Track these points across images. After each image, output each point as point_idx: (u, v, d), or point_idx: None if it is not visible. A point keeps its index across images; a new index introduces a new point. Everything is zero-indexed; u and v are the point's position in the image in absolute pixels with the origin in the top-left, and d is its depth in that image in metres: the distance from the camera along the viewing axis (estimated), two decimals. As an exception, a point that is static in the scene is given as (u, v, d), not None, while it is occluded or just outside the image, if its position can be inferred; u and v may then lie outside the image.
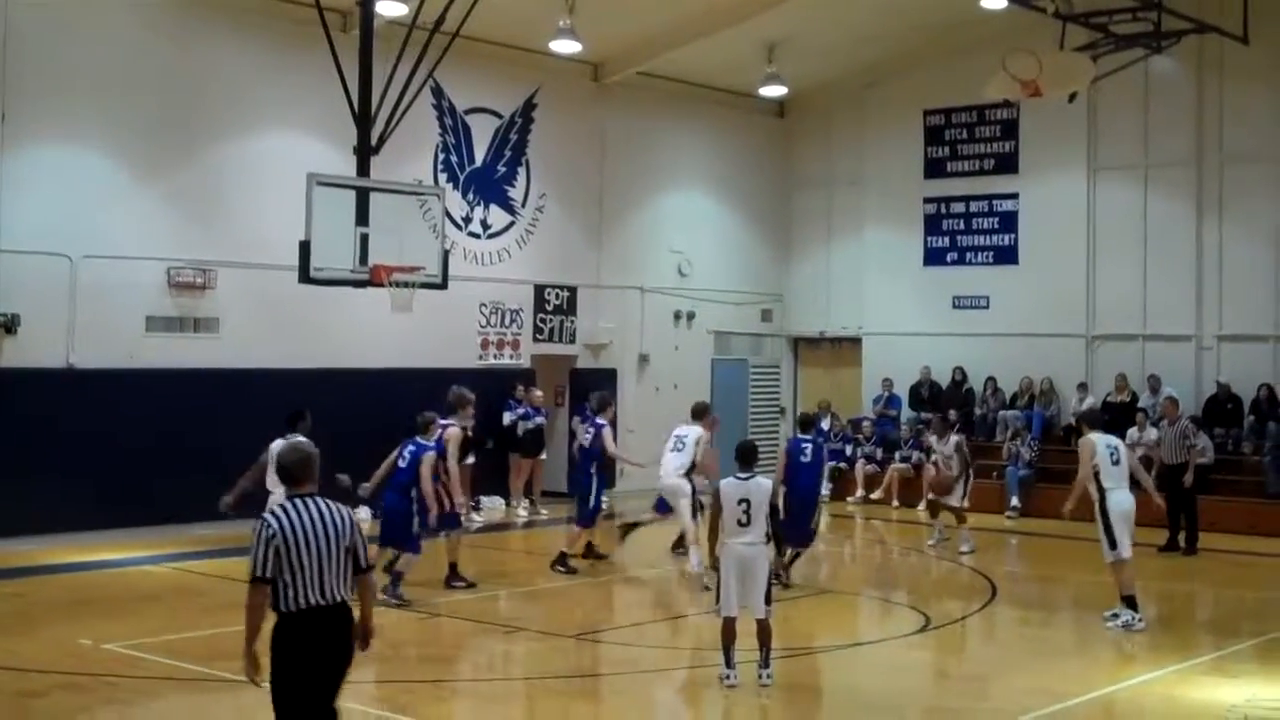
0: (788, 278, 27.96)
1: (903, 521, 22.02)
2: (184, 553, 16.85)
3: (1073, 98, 21.41)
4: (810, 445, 15.46)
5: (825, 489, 15.58)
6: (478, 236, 22.70)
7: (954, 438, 18.64)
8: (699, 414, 16.95)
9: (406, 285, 15.45)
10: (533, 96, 23.38)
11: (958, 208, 25.72)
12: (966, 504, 18.33)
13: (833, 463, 23.12)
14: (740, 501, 10.77)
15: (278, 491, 13.57)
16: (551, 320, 23.77)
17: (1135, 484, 13.66)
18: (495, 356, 22.89)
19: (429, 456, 13.94)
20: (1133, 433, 20.44)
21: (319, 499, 7.25)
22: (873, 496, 23.90)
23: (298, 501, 7.18)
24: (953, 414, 23.68)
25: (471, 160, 22.66)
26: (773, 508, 11.12)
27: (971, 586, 16.03)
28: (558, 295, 23.84)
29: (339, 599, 7.13)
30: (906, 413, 25.16)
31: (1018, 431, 23.16)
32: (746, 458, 11.19)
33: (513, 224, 23.26)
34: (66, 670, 11.02)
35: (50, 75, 17.77)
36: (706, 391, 24.58)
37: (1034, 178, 24.91)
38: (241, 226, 19.42)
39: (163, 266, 18.83)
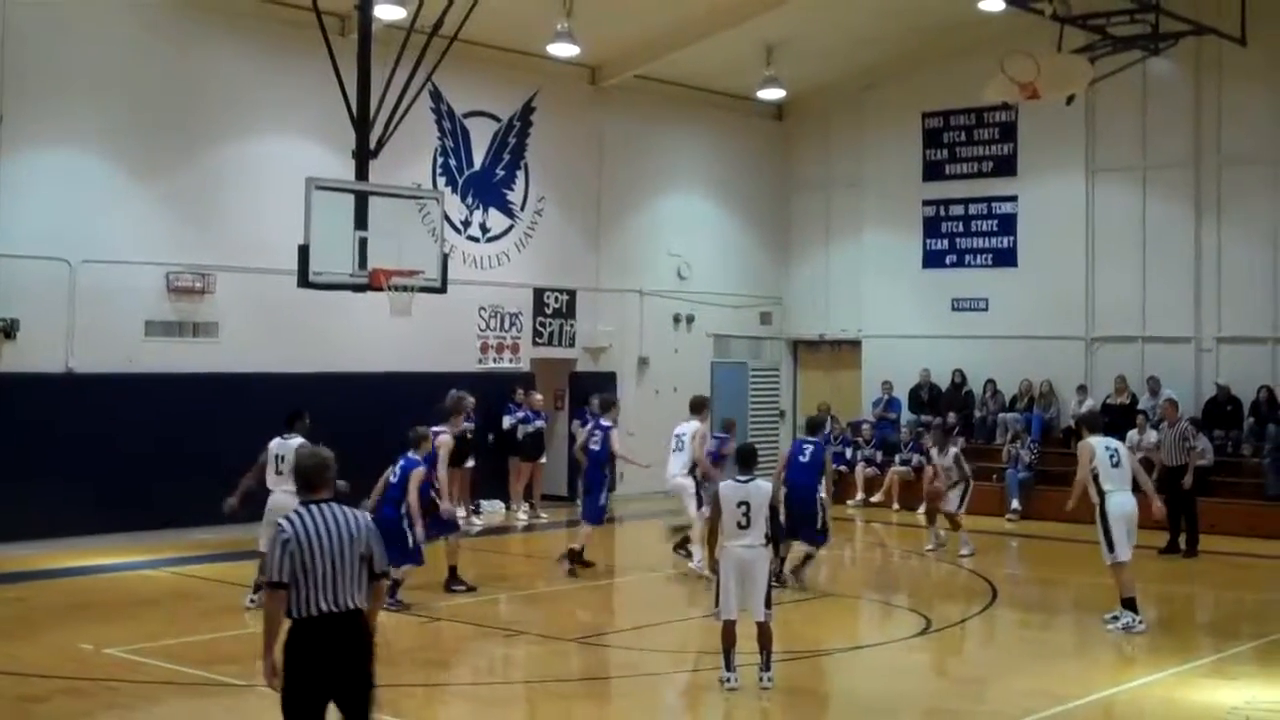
0: (787, 280, 27.97)
1: (903, 524, 22.01)
2: (183, 557, 16.85)
3: (1071, 100, 21.42)
4: (811, 446, 15.49)
5: (823, 489, 15.45)
6: (477, 240, 22.70)
7: (953, 449, 18.62)
8: (696, 408, 17.00)
9: (405, 289, 15.45)
10: (531, 100, 23.39)
11: (956, 210, 25.73)
12: (963, 511, 18.31)
13: (834, 465, 23.09)
14: (740, 504, 10.77)
15: (278, 490, 13.69)
16: (551, 324, 23.77)
17: (1137, 487, 13.65)
18: (495, 360, 22.89)
19: (418, 471, 13.90)
20: (1132, 435, 20.42)
21: (335, 505, 7.18)
22: (873, 499, 23.90)
23: (313, 507, 7.13)
24: (952, 417, 23.72)
25: (470, 164, 22.67)
26: (772, 510, 11.11)
27: (972, 589, 16.03)
28: (557, 299, 23.84)
29: (352, 606, 7.04)
30: (906, 415, 25.16)
31: (1017, 434, 23.16)
32: (746, 461, 11.19)
33: (512, 227, 23.27)
34: (67, 675, 11.02)
35: (49, 79, 17.78)
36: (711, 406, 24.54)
37: (1032, 180, 24.92)
38: (240, 231, 19.42)
39: (161, 271, 18.83)
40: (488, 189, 22.94)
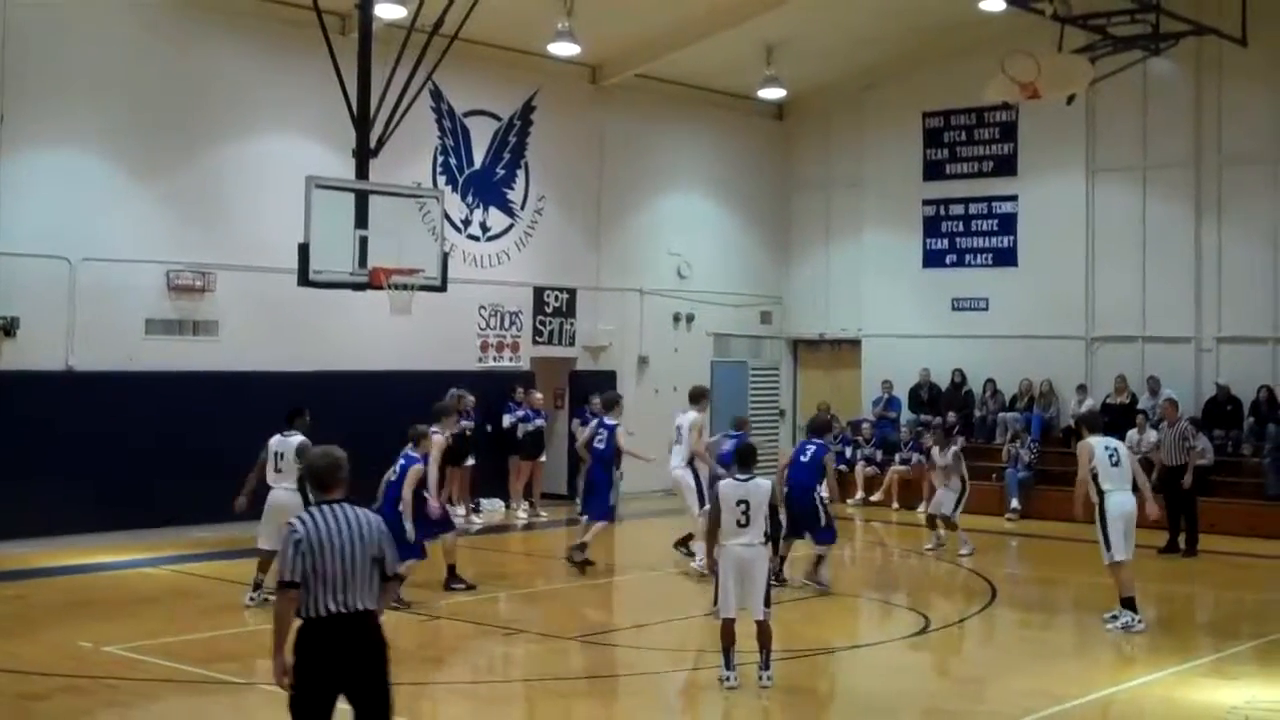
0: (787, 280, 27.97)
1: (902, 524, 22.02)
2: (183, 555, 16.86)
3: (1071, 100, 21.42)
4: (813, 447, 15.49)
5: (823, 489, 15.43)
6: (477, 239, 22.71)
7: (953, 448, 18.64)
8: (695, 398, 17.03)
9: (406, 288, 15.45)
10: (531, 99, 23.40)
11: (957, 210, 25.73)
12: (959, 514, 18.28)
13: (835, 465, 23.08)
14: (739, 503, 10.77)
15: (278, 487, 13.70)
16: (551, 322, 23.78)
17: (1135, 487, 13.65)
18: (495, 359, 22.90)
19: (416, 469, 13.90)
20: (1132, 435, 20.42)
21: (347, 506, 7.14)
22: (872, 498, 23.91)
23: (325, 508, 7.08)
24: (951, 416, 23.72)
25: (470, 163, 22.67)
26: (772, 508, 11.12)
27: (971, 588, 16.04)
28: (557, 297, 23.85)
29: (362, 607, 7.00)
30: (906, 415, 25.16)
31: (1017, 434, 23.16)
32: (746, 459, 11.18)
33: (512, 226, 23.27)
34: (67, 673, 11.03)
35: (50, 78, 17.78)
36: (710, 397, 24.54)
37: (1033, 180, 24.92)
38: (241, 229, 19.43)
39: (162, 269, 18.83)
40: (488, 188, 22.94)
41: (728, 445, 16.81)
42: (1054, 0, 19.55)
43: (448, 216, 20.60)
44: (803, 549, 15.74)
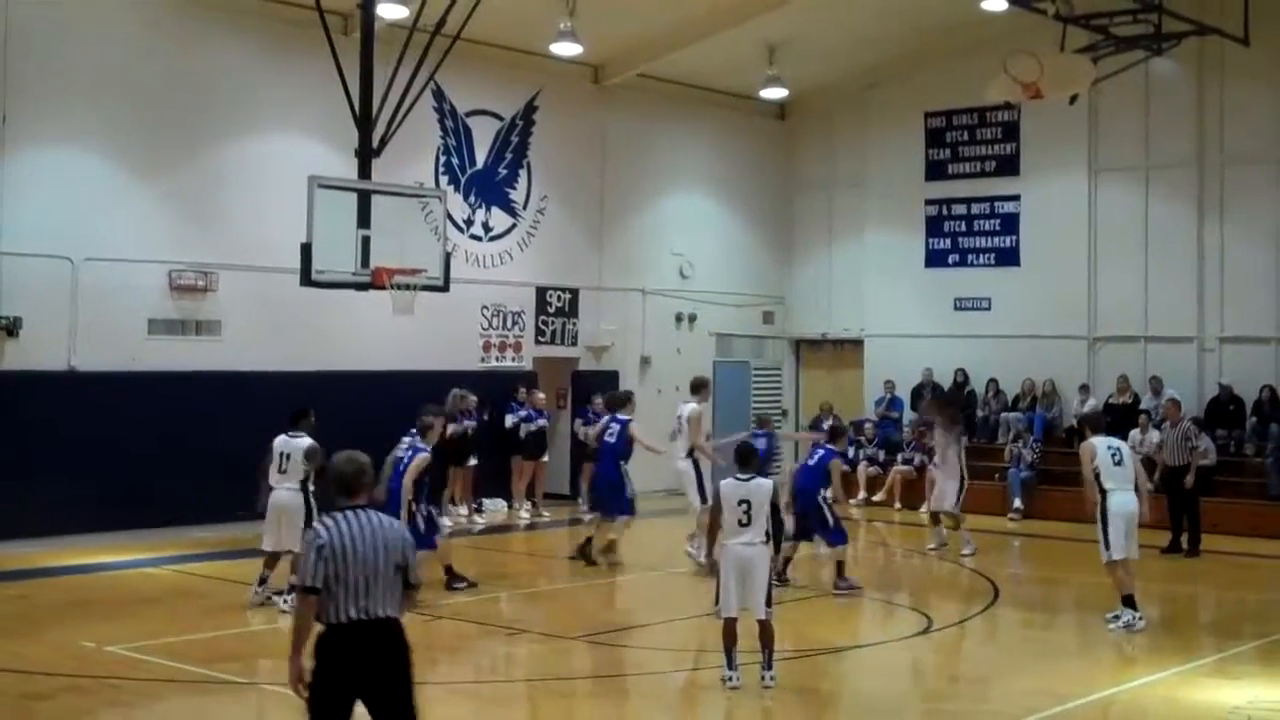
0: (789, 280, 27.97)
1: (905, 523, 22.02)
2: (185, 555, 16.85)
3: (1074, 100, 21.41)
4: (821, 450, 15.48)
5: (827, 491, 15.40)
6: (479, 239, 22.71)
7: (958, 428, 18.63)
8: (695, 389, 17.06)
9: (408, 288, 15.45)
10: (534, 99, 23.40)
11: (959, 209, 25.72)
12: (960, 508, 18.27)
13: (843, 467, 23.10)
14: (740, 502, 10.76)
15: (280, 488, 13.70)
16: (553, 323, 23.79)
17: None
18: (497, 359, 22.90)
19: (420, 459, 13.86)
20: (1135, 435, 20.43)
21: (371, 512, 7.08)
22: (875, 498, 23.90)
23: (350, 513, 7.01)
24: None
25: (473, 162, 22.68)
26: (774, 508, 11.11)
27: (974, 588, 16.03)
28: (559, 298, 23.85)
29: (384, 615, 6.93)
30: (908, 415, 25.15)
31: (1020, 433, 23.15)
32: (746, 459, 11.17)
33: (514, 226, 23.28)
34: (70, 673, 11.03)
35: (52, 78, 17.79)
36: (711, 388, 24.55)
37: (1035, 179, 24.91)
38: (243, 229, 19.43)
39: (164, 269, 18.84)
40: (490, 188, 22.94)
41: (758, 444, 16.80)
42: (1056, 0, 19.54)
43: (450, 216, 20.61)
44: (805, 549, 15.74)
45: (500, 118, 23.04)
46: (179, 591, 14.94)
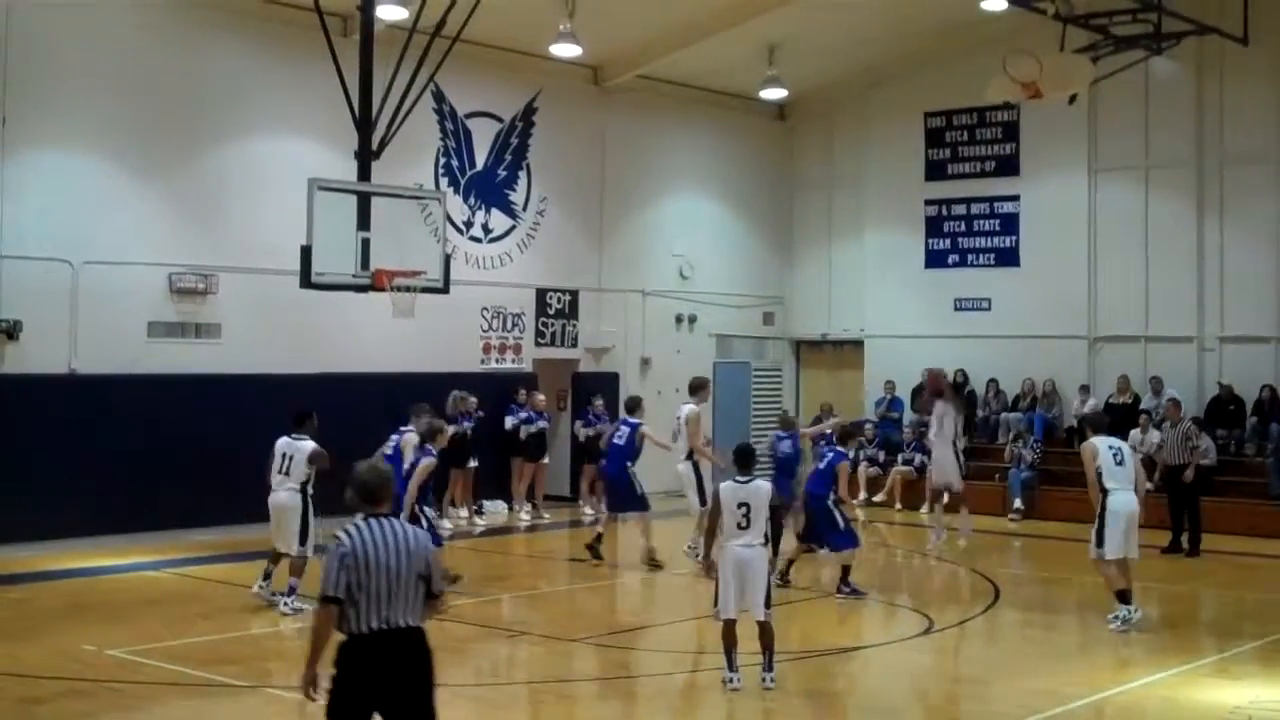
0: (789, 280, 27.97)
1: (905, 524, 22.02)
2: (186, 558, 16.86)
3: (1073, 99, 21.38)
4: (831, 454, 15.46)
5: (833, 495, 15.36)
6: (479, 241, 22.71)
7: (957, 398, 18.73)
8: (693, 389, 17.09)
9: (408, 290, 15.44)
10: (533, 100, 23.39)
11: (959, 210, 25.72)
12: (962, 485, 18.25)
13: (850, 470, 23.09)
14: (740, 505, 10.76)
15: (281, 490, 13.71)
16: (553, 324, 23.78)
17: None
18: (497, 361, 22.90)
19: (427, 464, 13.87)
20: (1135, 435, 20.43)
21: (395, 521, 7.03)
22: (875, 499, 23.89)
23: (373, 522, 6.95)
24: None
25: (472, 164, 22.67)
26: (773, 510, 11.09)
27: (975, 589, 16.03)
28: (559, 299, 23.85)
29: (405, 624, 6.86)
30: (909, 415, 25.13)
31: (1020, 434, 23.14)
32: (745, 461, 11.16)
33: (514, 228, 23.27)
34: (70, 676, 11.03)
35: (52, 80, 17.78)
36: (710, 388, 24.55)
37: (1035, 179, 24.91)
38: (243, 231, 19.43)
39: (164, 272, 18.84)
40: (490, 189, 22.94)
41: (786, 446, 16.81)
42: (1055, 0, 19.54)
43: (450, 218, 20.62)
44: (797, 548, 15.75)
45: (500, 119, 23.04)
46: (179, 595, 14.94)
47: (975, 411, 24.54)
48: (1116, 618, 13.30)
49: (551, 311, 23.75)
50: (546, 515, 21.60)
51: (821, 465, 15.41)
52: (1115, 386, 23.15)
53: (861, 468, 24.25)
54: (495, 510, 21.69)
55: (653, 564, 16.60)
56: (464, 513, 20.74)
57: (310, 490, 13.75)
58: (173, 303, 18.97)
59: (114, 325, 18.31)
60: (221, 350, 19.34)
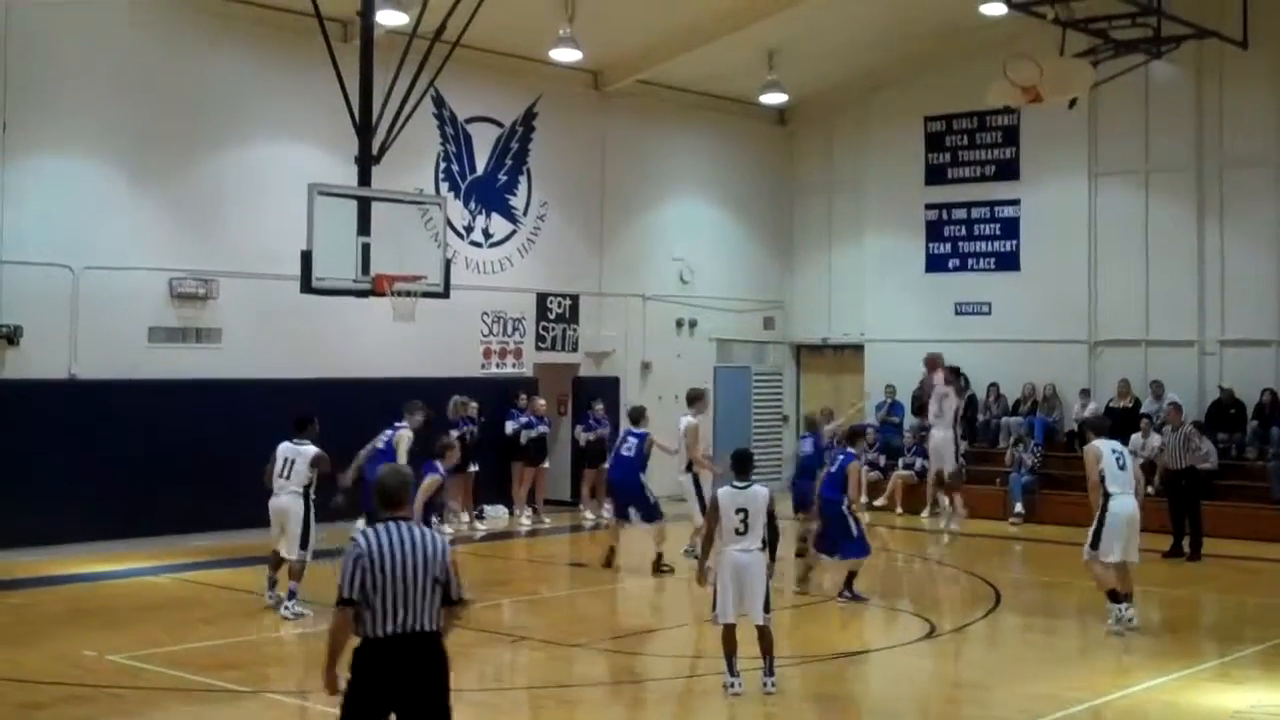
0: (790, 284, 27.97)
1: (906, 529, 22.00)
2: (186, 563, 16.85)
3: (1073, 103, 21.40)
4: (841, 454, 15.45)
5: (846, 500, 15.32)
6: (479, 245, 22.71)
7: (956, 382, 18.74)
8: (690, 400, 17.08)
9: (409, 294, 15.42)
10: (533, 105, 23.40)
11: (959, 214, 25.72)
12: (961, 463, 18.25)
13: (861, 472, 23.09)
14: (738, 510, 10.76)
15: (282, 494, 13.71)
16: (554, 329, 23.78)
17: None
18: (498, 365, 22.89)
19: (432, 480, 13.82)
20: (1136, 439, 20.42)
21: (413, 525, 7.00)
22: (876, 503, 23.86)
23: (391, 525, 6.93)
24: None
25: (473, 169, 22.68)
26: (770, 515, 11.07)
27: (976, 593, 16.02)
28: (560, 304, 23.85)
29: (420, 629, 6.85)
30: (909, 420, 25.11)
31: (1020, 438, 23.12)
32: (742, 466, 11.15)
33: (514, 233, 23.27)
34: (70, 681, 11.03)
35: (52, 86, 17.79)
36: (709, 398, 24.54)
37: (1035, 183, 24.90)
38: (243, 237, 19.44)
39: (165, 277, 18.84)
40: (490, 194, 22.94)
41: (807, 447, 16.75)
42: (1055, 4, 19.54)
43: (450, 223, 20.60)
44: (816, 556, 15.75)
45: (500, 124, 23.05)
46: (180, 600, 14.94)
47: (976, 415, 24.54)
48: (1116, 619, 13.31)
49: (552, 316, 23.74)
50: (547, 520, 21.59)
51: (833, 469, 15.36)
52: (1116, 390, 23.13)
53: (863, 472, 24.21)
54: (496, 515, 21.66)
55: (661, 569, 16.57)
56: (465, 517, 20.73)
57: (313, 494, 13.79)
58: (173, 308, 18.97)
59: (114, 330, 18.31)
60: (222, 355, 19.34)
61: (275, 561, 13.93)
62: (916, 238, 26.09)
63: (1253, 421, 22.00)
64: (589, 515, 21.86)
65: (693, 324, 25.98)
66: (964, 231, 25.66)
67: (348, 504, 14.63)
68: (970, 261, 25.58)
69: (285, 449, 13.89)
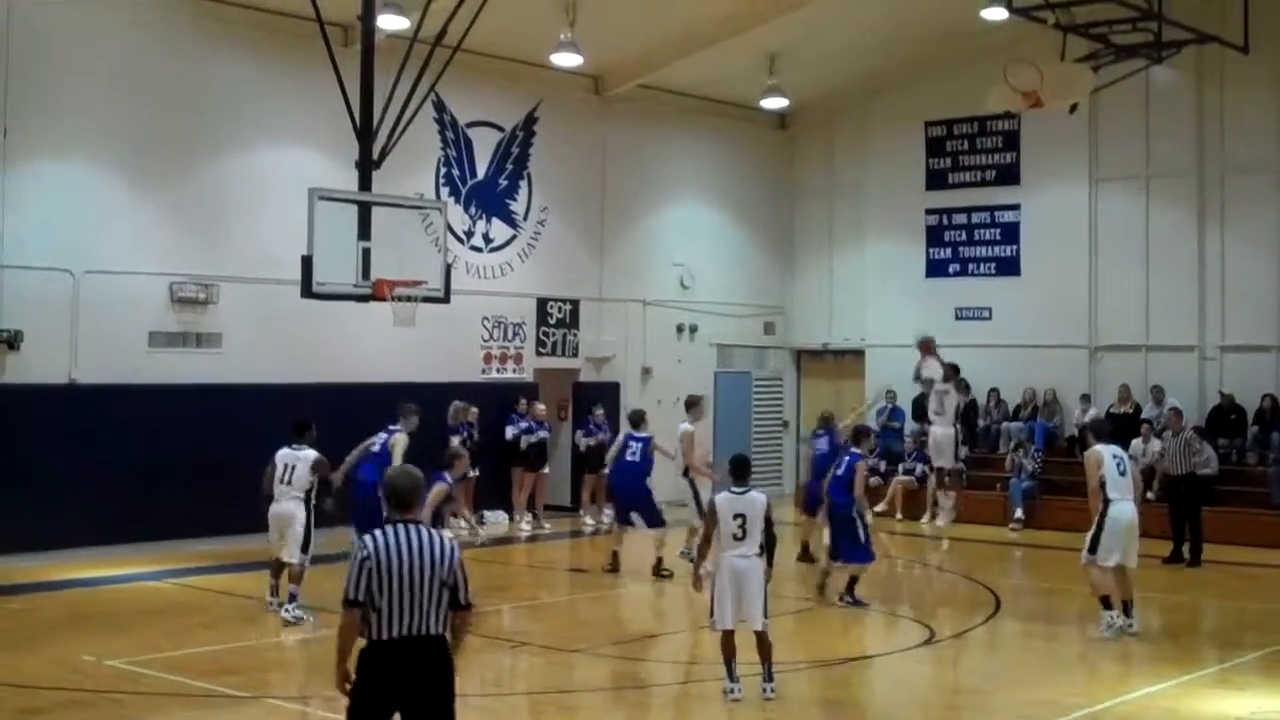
0: (790, 289, 27.97)
1: (906, 534, 21.99)
2: (186, 568, 16.84)
3: (1074, 108, 21.41)
4: (847, 455, 15.45)
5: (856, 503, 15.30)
6: (480, 250, 22.71)
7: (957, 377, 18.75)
8: (687, 407, 17.08)
9: (409, 299, 15.43)
10: (534, 110, 23.41)
11: (959, 219, 25.72)
12: (961, 463, 18.25)
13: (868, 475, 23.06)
14: (735, 516, 10.75)
15: (284, 500, 13.71)
16: (554, 334, 23.78)
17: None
18: (498, 370, 22.89)
19: (440, 489, 13.78)
20: (1137, 444, 20.42)
21: (422, 528, 6.99)
22: (876, 509, 23.77)
23: (400, 528, 6.92)
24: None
25: (473, 174, 22.69)
26: (768, 521, 11.06)
27: (975, 599, 16.01)
28: (560, 309, 23.85)
29: (426, 632, 6.83)
30: (910, 425, 25.11)
31: (1021, 443, 23.10)
32: (740, 472, 11.14)
33: (515, 237, 23.28)
34: (70, 687, 11.02)
35: (52, 90, 17.80)
36: (708, 404, 24.54)
37: (1036, 188, 24.91)
38: (244, 241, 19.44)
39: (165, 281, 18.84)
40: (491, 199, 22.95)
41: (822, 445, 16.71)
42: (1056, 9, 19.55)
43: (450, 228, 20.53)
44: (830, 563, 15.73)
45: (501, 129, 23.06)
46: (180, 605, 14.93)
47: (976, 420, 24.54)
48: (1109, 627, 13.32)
49: (552, 321, 23.75)
50: (547, 525, 21.59)
51: (840, 471, 15.34)
52: (1116, 396, 23.13)
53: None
54: (496, 520, 21.67)
55: (660, 574, 16.57)
56: (464, 523, 20.69)
57: (313, 499, 13.81)
58: (173, 312, 18.98)
59: (115, 335, 18.31)
60: (222, 360, 19.34)
61: (277, 568, 13.94)
62: (917, 243, 26.10)
63: (1253, 427, 21.99)
64: (589, 520, 21.87)
65: (693, 329, 25.99)
66: (964, 236, 25.66)
67: (336, 507, 14.59)
68: (971, 266, 25.59)
69: (284, 455, 13.91)
